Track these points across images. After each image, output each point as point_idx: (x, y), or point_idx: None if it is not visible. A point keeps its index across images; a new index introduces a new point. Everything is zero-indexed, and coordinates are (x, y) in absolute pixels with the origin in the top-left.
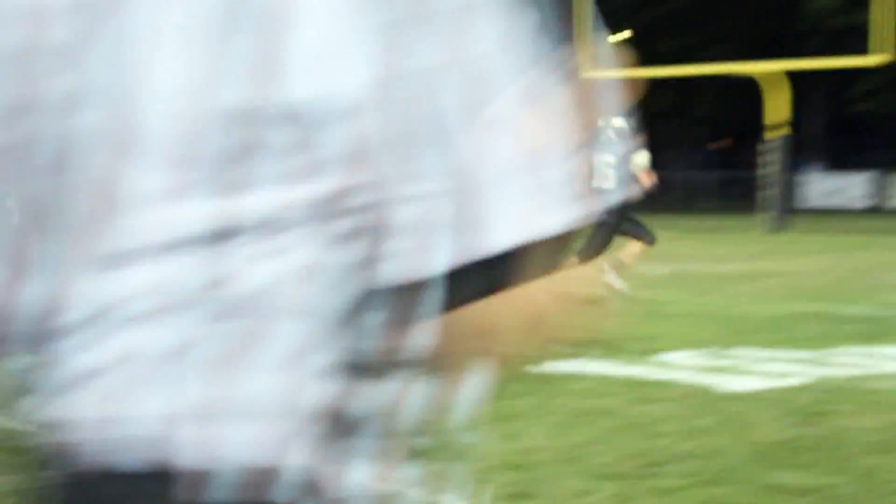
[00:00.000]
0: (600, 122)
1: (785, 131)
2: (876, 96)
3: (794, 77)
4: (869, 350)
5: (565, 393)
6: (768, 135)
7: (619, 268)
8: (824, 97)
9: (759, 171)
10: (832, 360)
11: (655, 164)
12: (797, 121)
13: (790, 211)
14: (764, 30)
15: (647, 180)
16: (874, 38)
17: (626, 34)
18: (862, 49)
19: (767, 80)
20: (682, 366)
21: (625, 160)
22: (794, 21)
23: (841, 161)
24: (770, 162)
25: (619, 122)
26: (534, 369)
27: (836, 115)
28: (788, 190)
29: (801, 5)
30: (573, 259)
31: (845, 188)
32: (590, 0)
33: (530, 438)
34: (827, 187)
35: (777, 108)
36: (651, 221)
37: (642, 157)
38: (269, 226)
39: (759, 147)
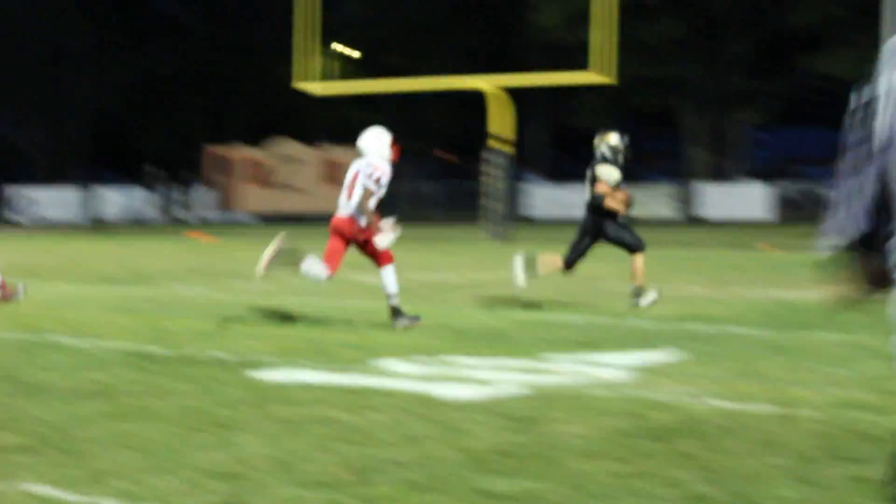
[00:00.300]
0: (596, 140)
1: (508, 147)
2: (597, 111)
3: (519, 90)
4: (582, 357)
5: (280, 401)
6: (492, 145)
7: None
8: (547, 110)
9: (483, 182)
10: (546, 367)
11: None
12: (521, 133)
13: (512, 221)
14: (489, 44)
15: (603, 189)
16: (594, 56)
17: (354, 49)
18: (584, 65)
19: (491, 93)
20: (398, 374)
21: (594, 175)
22: (519, 36)
23: (562, 173)
24: (494, 173)
25: (613, 137)
26: (249, 376)
27: (558, 128)
28: (511, 201)
29: (526, 21)
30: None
31: (567, 199)
32: (317, 13)
33: (243, 447)
34: (549, 198)
35: (501, 121)
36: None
37: (607, 170)
38: None
39: (483, 156)
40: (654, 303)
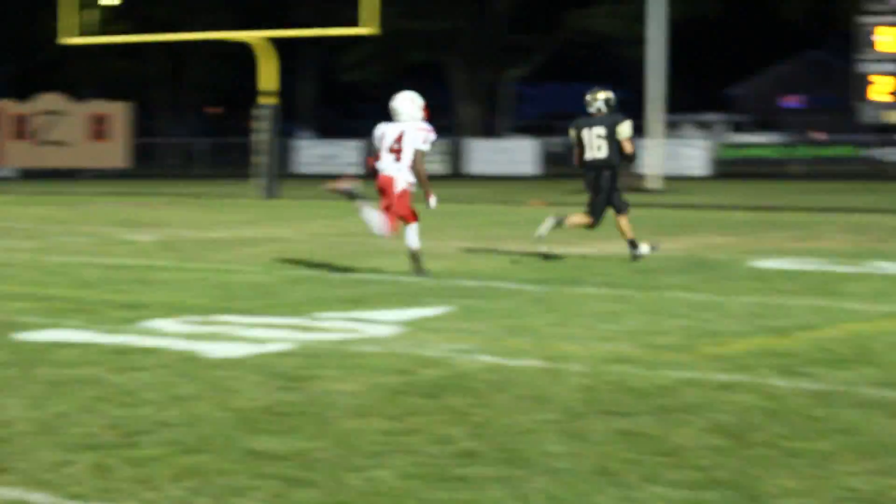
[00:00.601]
0: (588, 96)
1: (276, 98)
2: (365, 66)
3: (287, 45)
4: (353, 315)
5: (46, 363)
6: (260, 101)
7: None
8: (316, 65)
9: (252, 138)
10: (317, 325)
11: (149, 131)
12: (289, 88)
13: (282, 177)
14: None
15: (630, 148)
16: (361, 8)
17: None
18: (352, 19)
19: (259, 47)
20: (167, 333)
21: (613, 131)
22: None
23: (332, 128)
24: (262, 128)
25: (607, 95)
26: (12, 338)
27: (327, 84)
28: (280, 157)
29: None
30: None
31: (336, 155)
32: None
33: (5, 410)
34: (318, 154)
35: (268, 76)
36: (143, 189)
37: (626, 127)
38: None
39: (252, 113)
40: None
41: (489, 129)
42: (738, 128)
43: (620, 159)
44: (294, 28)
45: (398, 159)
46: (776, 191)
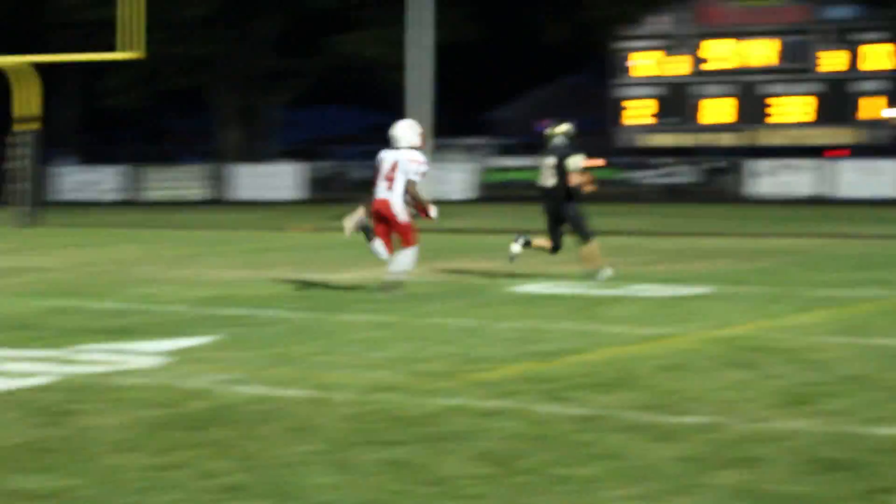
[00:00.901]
0: (548, 129)
1: (35, 124)
2: (127, 91)
3: (45, 70)
4: (116, 346)
5: None
6: (18, 128)
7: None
8: (77, 91)
9: (9, 165)
10: (78, 357)
11: None
12: (49, 114)
13: (42, 205)
14: (14, 22)
15: (576, 180)
16: (122, 33)
17: None
18: (112, 44)
19: (16, 72)
20: None
21: (562, 162)
22: (44, 14)
23: (93, 154)
24: (20, 155)
25: (568, 128)
26: None
27: (88, 109)
28: (40, 184)
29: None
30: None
31: (97, 181)
32: None
33: None
34: (79, 181)
35: (26, 102)
36: None
37: (573, 161)
38: None
39: (9, 140)
40: (610, 276)
41: (253, 154)
42: (505, 151)
43: (573, 188)
44: (56, 53)
45: (390, 188)
46: (539, 214)
